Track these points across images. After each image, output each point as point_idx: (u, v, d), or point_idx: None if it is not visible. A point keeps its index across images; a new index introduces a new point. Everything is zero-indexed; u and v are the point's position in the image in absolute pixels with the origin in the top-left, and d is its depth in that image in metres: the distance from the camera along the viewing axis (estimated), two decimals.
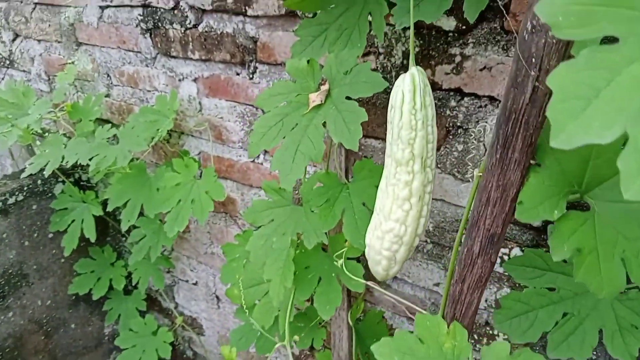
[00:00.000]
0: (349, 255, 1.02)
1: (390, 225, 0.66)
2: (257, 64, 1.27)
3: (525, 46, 0.38)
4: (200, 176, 1.35)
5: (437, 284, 1.16)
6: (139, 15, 1.47)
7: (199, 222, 1.16)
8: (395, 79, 1.02)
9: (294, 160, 0.77)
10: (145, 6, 1.44)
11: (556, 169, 0.44)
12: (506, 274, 1.04)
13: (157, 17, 1.43)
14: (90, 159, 1.27)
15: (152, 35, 1.47)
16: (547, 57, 0.36)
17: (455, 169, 1.02)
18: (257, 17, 1.21)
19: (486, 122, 0.95)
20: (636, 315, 0.72)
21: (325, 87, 0.85)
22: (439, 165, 1.04)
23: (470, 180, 1.01)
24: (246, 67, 1.29)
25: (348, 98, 0.80)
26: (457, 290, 0.56)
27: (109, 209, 1.36)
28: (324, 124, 0.80)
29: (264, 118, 0.86)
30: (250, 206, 1.06)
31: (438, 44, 0.96)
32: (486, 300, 1.10)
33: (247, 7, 1.20)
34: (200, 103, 1.45)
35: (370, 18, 0.87)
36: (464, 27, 0.91)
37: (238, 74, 1.32)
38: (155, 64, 1.52)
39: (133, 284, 1.71)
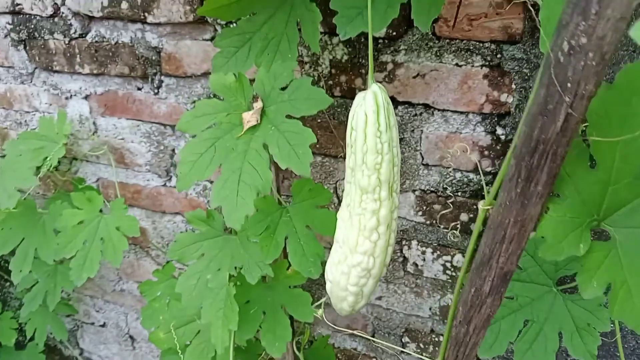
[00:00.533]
0: (293, 283, 0.94)
1: (357, 259, 0.60)
2: (162, 77, 1.13)
3: (560, 69, 0.33)
4: (101, 211, 1.17)
5: (380, 298, 1.12)
6: (8, 23, 1.24)
7: (111, 264, 1.00)
8: (326, 89, 0.96)
9: (238, 194, 0.67)
10: (15, 13, 1.22)
11: (577, 199, 0.41)
12: (449, 280, 1.03)
13: (33, 26, 1.22)
14: None
15: (27, 47, 1.25)
16: (583, 81, 0.32)
17: None
18: (159, 24, 1.07)
19: (422, 130, 0.93)
20: (590, 314, 0.74)
21: (258, 105, 0.76)
22: None
23: (409, 190, 0.98)
24: (149, 81, 1.14)
25: (289, 117, 0.72)
26: (461, 332, 0.51)
27: None
28: (265, 147, 0.71)
29: (191, 144, 0.75)
30: (173, 242, 0.93)
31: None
32: (430, 309, 1.09)
33: (146, 14, 1.06)
34: (94, 123, 1.26)
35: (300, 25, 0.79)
36: (394, 33, 0.87)
37: (140, 89, 1.17)
38: (33, 81, 1.30)
39: (27, 337, 1.46)
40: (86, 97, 1.24)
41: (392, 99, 0.92)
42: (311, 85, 0.72)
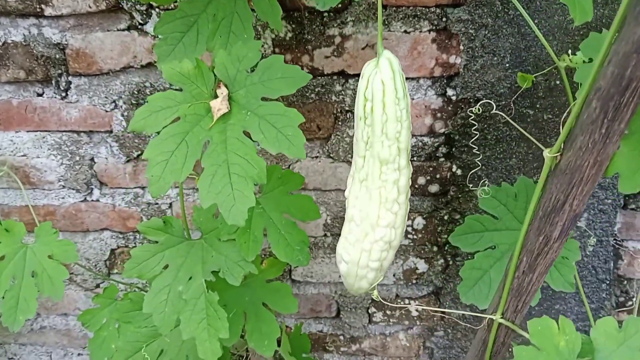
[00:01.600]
0: (270, 276, 0.90)
1: (381, 233, 0.58)
2: (70, 78, 0.98)
3: None
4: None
5: None
6: None
7: (52, 298, 0.86)
8: None
9: (232, 187, 0.61)
10: None
11: None
12: (411, 244, 1.06)
13: None
14: None
15: None
16: None
17: (349, 155, 0.98)
18: (59, 17, 0.92)
19: None
20: (564, 248, 0.81)
21: (224, 91, 0.69)
22: (331, 155, 0.99)
23: None
24: (54, 84, 0.99)
25: (264, 99, 0.67)
26: (524, 281, 0.52)
27: None
28: (247, 134, 0.65)
29: (157, 143, 0.66)
30: (128, 261, 0.83)
31: (314, 26, 0.88)
32: (394, 275, 1.11)
33: (42, 6, 0.90)
34: None
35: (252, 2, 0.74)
36: (339, 5, 0.85)
37: (40, 95, 1.01)
38: None
39: None
40: None
41: (343, 72, 0.91)
42: (284, 63, 0.67)
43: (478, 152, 0.73)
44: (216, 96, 0.70)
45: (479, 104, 0.65)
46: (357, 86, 0.90)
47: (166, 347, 0.95)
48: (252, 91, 0.68)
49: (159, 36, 0.74)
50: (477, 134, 0.70)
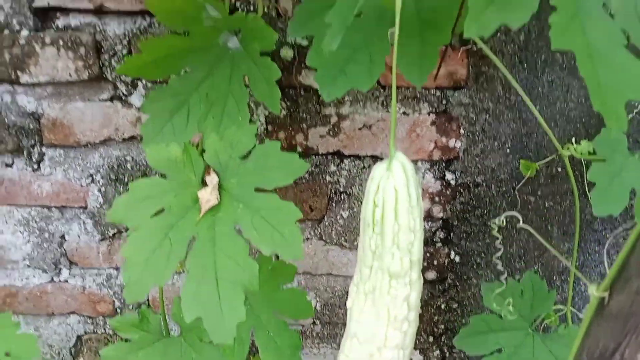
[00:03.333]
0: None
1: (388, 355, 0.51)
2: (43, 149, 0.91)
3: None
4: None
5: None
6: None
7: None
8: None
9: (220, 297, 0.54)
10: None
11: None
12: None
13: None
14: None
15: None
16: None
17: (342, 238, 0.92)
18: (36, 84, 0.87)
19: None
20: (566, 347, 0.75)
21: (214, 180, 0.63)
22: (323, 237, 0.92)
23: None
24: (25, 155, 0.91)
25: (258, 190, 0.61)
26: None
27: None
28: (238, 230, 0.59)
29: (136, 239, 0.59)
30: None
31: (309, 105, 0.84)
32: None
33: (18, 73, 0.85)
34: None
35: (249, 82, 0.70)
36: None
37: (9, 166, 0.93)
38: None
39: None
40: None
41: (338, 153, 0.86)
42: (280, 150, 0.62)
43: (502, 270, 0.68)
44: (205, 184, 0.64)
45: (504, 215, 0.61)
46: (351, 167, 0.86)
47: None
48: (245, 180, 0.62)
49: (145, 114, 0.69)
50: (501, 249, 0.66)
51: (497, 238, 0.65)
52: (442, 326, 0.95)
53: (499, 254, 0.65)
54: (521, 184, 0.81)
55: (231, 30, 0.70)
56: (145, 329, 0.75)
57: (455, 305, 0.93)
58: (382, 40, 0.60)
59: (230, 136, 0.64)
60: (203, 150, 0.65)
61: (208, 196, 0.61)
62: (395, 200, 0.48)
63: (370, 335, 0.52)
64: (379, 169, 0.50)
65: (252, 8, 0.80)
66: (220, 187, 0.64)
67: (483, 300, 0.76)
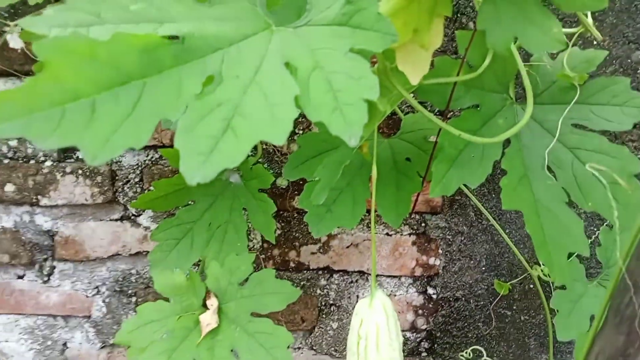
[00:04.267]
0: None
1: None
2: (55, 263, 0.98)
3: None
4: None
5: None
6: None
7: None
8: (259, 264, 0.93)
9: None
10: None
11: None
12: None
13: None
14: None
15: None
16: None
17: (332, 348, 0.97)
18: (53, 206, 0.95)
19: (357, 295, 0.95)
20: None
21: (214, 304, 0.70)
22: (314, 347, 0.97)
23: None
24: (37, 268, 0.98)
25: (254, 314, 0.68)
26: None
27: None
28: (235, 354, 0.65)
29: None
30: None
31: (302, 225, 0.93)
32: None
33: (39, 197, 0.94)
34: None
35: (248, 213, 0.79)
36: None
37: (21, 277, 0.99)
38: None
39: None
40: None
41: (328, 268, 0.94)
42: (275, 278, 0.70)
43: None
44: (206, 307, 0.71)
45: (470, 349, 0.68)
46: (340, 281, 0.93)
47: None
48: (242, 305, 0.69)
49: (154, 241, 0.77)
50: None
51: None
52: None
53: None
54: (496, 300, 0.88)
55: (233, 168, 0.80)
56: None
57: None
58: (363, 184, 0.70)
59: (230, 263, 0.72)
60: (203, 274, 0.73)
61: (209, 320, 0.68)
62: (377, 334, 0.55)
63: None
64: (362, 306, 0.57)
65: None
66: (219, 310, 0.70)
67: None
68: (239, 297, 0.70)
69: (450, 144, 0.59)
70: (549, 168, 0.60)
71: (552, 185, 0.59)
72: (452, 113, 0.80)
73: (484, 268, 0.91)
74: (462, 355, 0.68)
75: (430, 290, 0.93)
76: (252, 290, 0.70)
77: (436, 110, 0.87)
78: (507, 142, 0.61)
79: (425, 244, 0.92)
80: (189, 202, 0.80)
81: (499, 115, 0.65)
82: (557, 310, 0.71)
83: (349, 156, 0.62)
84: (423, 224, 0.91)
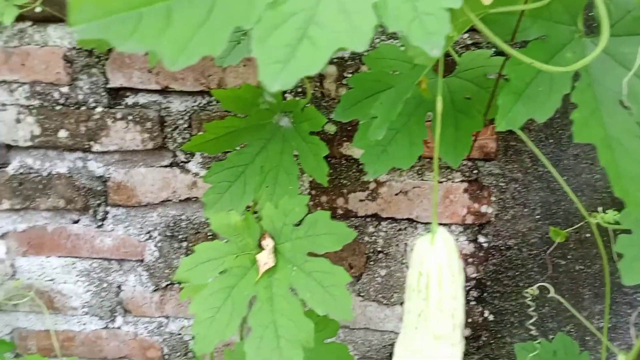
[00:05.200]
0: None
1: None
2: (108, 208, 1.01)
3: None
4: None
5: None
6: None
7: None
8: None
9: (281, 353, 0.60)
10: None
11: None
12: None
13: None
14: None
15: None
16: None
17: (380, 295, 0.97)
18: (105, 152, 0.97)
19: (406, 243, 0.94)
20: None
21: (270, 244, 0.71)
22: (361, 294, 0.98)
23: (397, 303, 0.97)
24: (90, 213, 1.01)
25: (310, 254, 0.69)
26: None
27: None
28: (293, 291, 0.66)
29: (203, 298, 0.66)
30: None
31: (350, 173, 0.92)
32: None
33: (91, 142, 0.95)
34: (12, 265, 1.07)
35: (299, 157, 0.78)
36: None
37: (76, 222, 1.03)
38: None
39: None
40: (2, 236, 1.05)
41: (376, 215, 0.93)
42: (330, 219, 0.70)
43: (536, 335, 0.73)
44: (262, 248, 0.71)
45: (536, 285, 0.66)
46: (388, 229, 0.93)
47: None
48: (297, 245, 0.70)
49: (207, 183, 0.77)
50: (534, 316, 0.71)
51: (531, 306, 0.70)
52: None
53: (533, 320, 0.70)
54: (552, 248, 0.86)
55: (283, 112, 0.79)
56: None
57: None
58: (420, 125, 0.68)
59: (285, 205, 0.72)
60: (256, 215, 0.73)
61: (265, 259, 0.69)
62: (439, 270, 0.54)
63: None
64: (422, 243, 0.56)
65: (298, 91, 0.90)
66: (275, 250, 0.71)
67: (517, 359, 0.79)
68: (294, 238, 0.70)
69: (517, 76, 0.56)
70: (622, 103, 0.57)
71: (625, 120, 0.56)
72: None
73: (538, 216, 0.88)
74: (527, 292, 0.67)
75: (481, 239, 0.92)
76: (307, 231, 0.70)
77: (493, 51, 0.83)
78: (576, 76, 0.58)
79: (477, 192, 0.89)
80: (240, 146, 0.80)
81: (568, 49, 0.61)
82: (622, 255, 0.68)
83: (407, 93, 0.60)
84: (475, 171, 0.89)
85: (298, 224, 0.71)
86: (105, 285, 1.05)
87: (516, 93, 0.56)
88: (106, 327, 1.08)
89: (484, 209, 0.90)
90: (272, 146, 0.79)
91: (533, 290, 0.66)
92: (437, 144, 0.55)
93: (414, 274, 0.56)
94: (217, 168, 0.78)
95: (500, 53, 0.71)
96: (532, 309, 0.70)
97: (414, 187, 0.91)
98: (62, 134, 0.96)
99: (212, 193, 0.77)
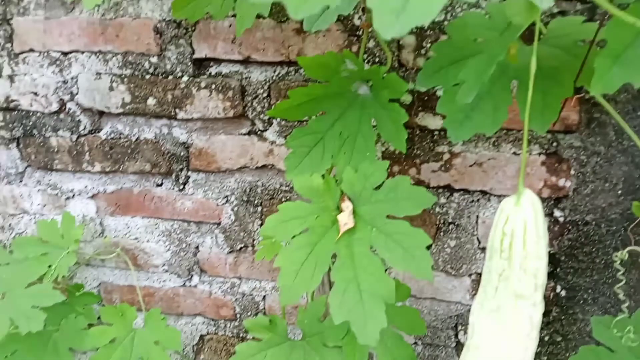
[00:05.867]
0: None
1: None
2: (189, 173, 1.07)
3: None
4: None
5: None
6: None
7: None
8: None
9: (364, 306, 0.63)
10: (8, 109, 1.12)
11: None
12: None
13: (31, 123, 1.12)
14: None
15: (21, 146, 1.14)
16: None
17: (449, 265, 0.98)
18: (189, 120, 1.03)
19: (477, 215, 0.95)
20: None
21: (349, 206, 0.74)
22: None
23: (465, 274, 0.98)
24: (173, 177, 1.08)
25: (389, 217, 0.71)
26: None
27: None
28: (373, 251, 0.68)
29: (288, 252, 0.70)
30: (232, 356, 0.85)
31: (424, 143, 0.93)
32: None
33: (177, 110, 1.01)
34: (101, 224, 1.15)
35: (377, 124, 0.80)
36: None
37: (159, 185, 1.10)
38: (24, 180, 1.18)
39: None
40: (93, 197, 1.14)
41: (448, 186, 0.94)
42: (410, 184, 0.71)
43: (624, 299, 0.72)
44: (341, 210, 0.74)
45: (627, 249, 0.66)
46: (460, 200, 0.93)
47: None
48: (377, 208, 0.72)
49: (288, 148, 0.81)
50: (623, 280, 0.70)
51: (619, 270, 0.70)
52: (545, 358, 0.98)
53: (621, 284, 0.69)
54: (635, 224, 0.84)
55: (363, 79, 0.81)
56: (273, 331, 0.86)
57: (559, 339, 0.96)
58: (505, 91, 0.68)
59: (364, 169, 0.75)
60: (337, 181, 0.76)
61: (346, 219, 0.72)
62: (524, 230, 0.55)
63: (493, 349, 0.58)
64: (508, 203, 0.57)
65: (376, 60, 0.92)
66: (354, 213, 0.74)
67: (592, 333, 0.79)
68: (374, 201, 0.73)
69: (615, 39, 0.55)
70: None
71: None
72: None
73: (620, 191, 0.86)
74: (616, 256, 0.67)
75: (557, 213, 0.91)
76: (387, 195, 0.72)
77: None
78: None
79: (556, 165, 0.88)
80: (319, 113, 0.83)
81: None
82: None
83: (498, 57, 0.60)
84: (555, 143, 0.88)
85: (377, 188, 0.73)
86: (184, 245, 1.12)
87: (614, 56, 0.55)
88: (183, 285, 1.15)
89: (561, 182, 0.89)
90: (351, 113, 0.81)
91: (622, 254, 0.66)
92: (529, 103, 0.56)
93: (497, 233, 0.57)
94: (298, 134, 0.81)
95: (588, 20, 0.69)
96: (620, 272, 0.69)
97: (489, 159, 0.91)
98: (151, 101, 1.02)
99: (293, 157, 0.80)
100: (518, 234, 0.55)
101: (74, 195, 1.15)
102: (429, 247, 0.66)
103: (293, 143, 0.81)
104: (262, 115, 0.99)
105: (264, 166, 1.02)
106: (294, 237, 0.72)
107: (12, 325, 0.90)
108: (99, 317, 1.01)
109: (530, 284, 0.56)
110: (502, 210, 0.58)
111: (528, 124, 0.62)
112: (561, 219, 0.91)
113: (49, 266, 1.03)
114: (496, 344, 0.58)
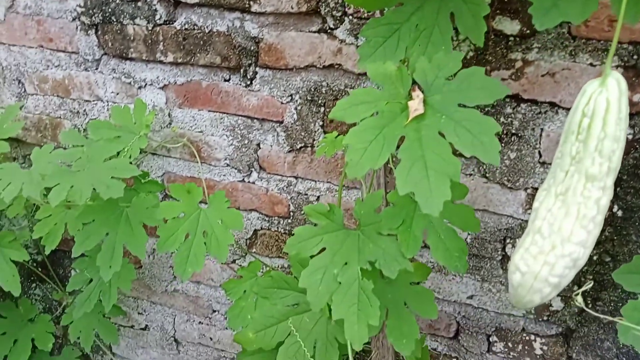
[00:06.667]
0: (414, 279, 0.93)
1: (569, 249, 0.60)
2: (257, 69, 1.10)
3: None
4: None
5: (471, 297, 1.12)
6: (79, 6, 1.18)
7: (217, 259, 0.96)
8: None
9: (429, 180, 0.66)
10: None
11: None
12: None
13: (110, 10, 1.16)
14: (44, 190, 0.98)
15: (99, 33, 1.19)
16: None
17: (505, 178, 0.99)
18: (261, 14, 1.04)
19: (542, 128, 0.94)
20: None
21: (420, 95, 0.75)
22: (487, 175, 1.01)
23: (521, 188, 0.99)
24: (241, 72, 1.11)
25: (460, 106, 0.72)
26: None
27: (75, 254, 1.06)
28: (442, 135, 0.70)
29: (357, 132, 0.72)
30: (290, 237, 0.90)
31: (497, 49, 0.92)
32: None
33: (251, 2, 1.03)
34: (169, 115, 1.21)
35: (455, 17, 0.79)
36: (528, 31, 0.88)
37: (227, 80, 1.13)
38: (99, 68, 1.24)
39: (65, 341, 1.37)
40: (163, 87, 1.19)
41: (516, 96, 0.93)
42: (484, 75, 0.71)
43: None
44: (411, 98, 0.76)
45: None
46: (526, 112, 0.92)
47: (300, 327, 1.02)
48: (448, 97, 0.73)
49: (364, 39, 0.82)
50: None
51: None
52: (590, 277, 0.99)
53: None
54: None
55: None
56: (331, 219, 0.90)
57: (608, 259, 0.97)
58: None
59: (439, 60, 0.75)
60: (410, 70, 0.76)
61: (416, 106, 0.73)
62: (606, 110, 0.55)
63: (556, 230, 0.60)
64: (591, 85, 0.57)
65: None
66: (424, 102, 0.75)
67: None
68: (445, 91, 0.73)
69: None
70: None
71: None
72: None
73: None
74: None
75: (627, 130, 0.89)
76: (459, 85, 0.72)
77: None
78: None
79: (633, 78, 0.86)
80: (398, 4, 0.82)
81: None
82: None
83: None
84: (635, 56, 0.85)
85: (450, 79, 0.74)
86: (246, 141, 1.17)
87: None
88: (242, 180, 1.21)
89: (637, 97, 0.86)
90: (429, 6, 0.80)
91: None
92: None
93: (576, 115, 0.58)
94: (373, 23, 0.81)
95: None
96: None
97: (563, 69, 0.89)
98: None
99: (367, 47, 0.81)
100: (599, 114, 0.56)
101: (145, 85, 1.21)
102: (497, 135, 0.67)
103: (368, 32, 0.81)
104: (334, 12, 0.99)
105: (330, 65, 1.04)
106: (362, 120, 0.74)
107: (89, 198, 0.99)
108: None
109: (604, 166, 0.57)
110: (585, 92, 0.58)
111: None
112: (630, 137, 0.89)
113: (123, 148, 1.10)
114: (559, 226, 0.60)
